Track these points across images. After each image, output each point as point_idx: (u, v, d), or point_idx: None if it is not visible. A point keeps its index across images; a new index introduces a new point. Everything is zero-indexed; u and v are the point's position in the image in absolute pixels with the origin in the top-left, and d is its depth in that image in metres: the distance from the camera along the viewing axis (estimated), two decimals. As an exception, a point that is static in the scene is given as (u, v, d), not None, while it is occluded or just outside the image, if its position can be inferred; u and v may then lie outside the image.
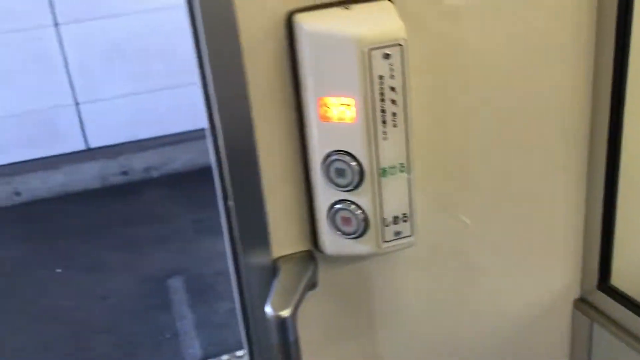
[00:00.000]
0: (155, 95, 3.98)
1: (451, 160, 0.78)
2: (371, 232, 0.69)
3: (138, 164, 3.99)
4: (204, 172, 4.15)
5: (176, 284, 2.91)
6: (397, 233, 0.70)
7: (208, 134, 0.77)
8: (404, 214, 0.69)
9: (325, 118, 0.66)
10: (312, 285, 0.76)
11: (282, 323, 0.69)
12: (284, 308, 0.69)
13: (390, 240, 0.70)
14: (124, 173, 3.97)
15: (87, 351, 2.53)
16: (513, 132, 0.80)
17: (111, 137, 4.00)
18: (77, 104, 3.89)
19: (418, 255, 0.81)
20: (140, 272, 3.03)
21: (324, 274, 0.77)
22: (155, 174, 4.02)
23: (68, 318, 2.75)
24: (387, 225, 0.69)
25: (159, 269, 3.05)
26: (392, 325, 0.85)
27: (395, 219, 0.69)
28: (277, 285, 0.72)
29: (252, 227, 0.73)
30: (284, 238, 0.75)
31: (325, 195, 0.69)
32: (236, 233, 0.73)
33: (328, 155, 0.67)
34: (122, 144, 4.02)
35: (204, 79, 0.69)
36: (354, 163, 0.66)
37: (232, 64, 0.66)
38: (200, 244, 3.24)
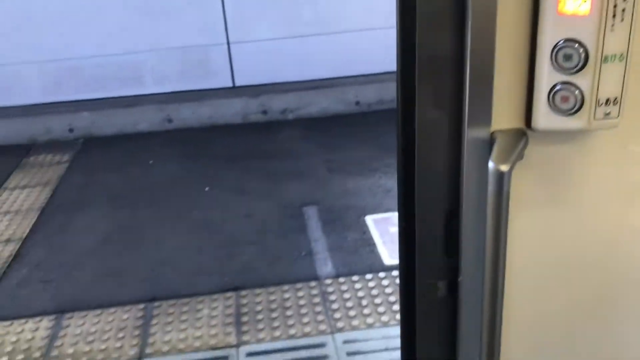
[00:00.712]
0: (300, 41, 4.22)
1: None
2: (585, 110, 0.84)
3: (277, 105, 4.28)
4: (335, 119, 4.40)
5: (310, 212, 3.17)
6: (607, 114, 0.85)
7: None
8: (615, 97, 0.84)
9: (561, 11, 0.82)
10: (520, 157, 0.92)
11: (500, 175, 0.87)
12: (503, 163, 0.87)
13: (599, 119, 0.85)
14: (264, 112, 4.28)
15: (235, 258, 2.85)
16: None
17: (255, 78, 4.31)
18: (228, 43, 4.22)
19: (611, 150, 0.95)
20: (279, 199, 3.32)
21: (531, 150, 0.93)
22: (291, 116, 4.30)
23: (217, 229, 3.09)
24: (599, 106, 0.84)
25: (295, 198, 3.32)
26: (575, 206, 1.00)
27: (607, 101, 0.84)
28: (497, 148, 0.89)
29: (479, 101, 0.91)
30: (503, 114, 0.91)
31: (549, 76, 0.85)
32: (465, 105, 0.91)
33: (558, 43, 0.83)
34: (265, 85, 4.32)
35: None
36: (581, 50, 0.81)
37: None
38: (331, 181, 3.48)
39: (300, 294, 2.60)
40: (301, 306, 2.53)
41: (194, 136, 4.11)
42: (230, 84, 4.31)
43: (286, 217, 3.15)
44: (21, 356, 2.37)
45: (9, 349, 2.42)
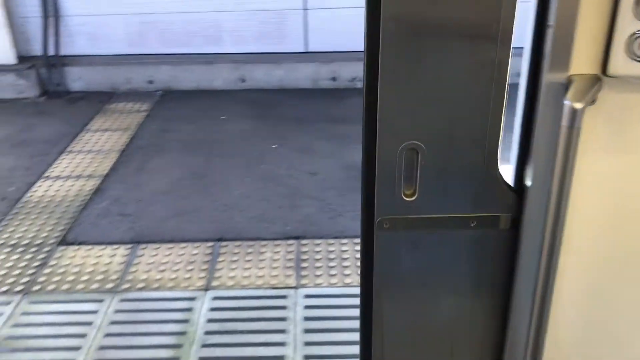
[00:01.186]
0: (375, 12, 4.30)
1: None
2: (660, 58, 0.92)
3: (346, 72, 4.38)
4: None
5: (373, 176, 3.28)
6: (683, 61, 0.92)
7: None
8: (692, 45, 0.92)
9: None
10: (593, 101, 1.01)
11: (574, 112, 0.96)
12: (578, 102, 0.96)
13: (674, 66, 0.93)
14: (333, 79, 4.40)
15: (297, 209, 3.01)
16: None
17: (328, 45, 4.43)
18: (305, 9, 4.34)
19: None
20: (343, 160, 3.45)
21: (604, 96, 1.02)
22: (359, 84, 4.40)
23: (282, 182, 3.25)
24: (675, 53, 0.92)
25: (358, 161, 3.42)
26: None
27: (683, 49, 0.92)
28: (573, 88, 0.98)
29: (560, 47, 1.00)
30: (581, 60, 1.00)
31: (629, 24, 0.93)
32: (547, 50, 1.00)
33: (640, -8, 0.91)
34: (336, 52, 4.43)
35: None
36: (663, -3, 0.89)
37: None
38: (394, 150, 3.58)
39: (358, 248, 2.73)
40: (358, 259, 2.66)
41: (265, 97, 4.28)
42: (303, 49, 4.45)
43: (348, 178, 3.28)
44: (100, 277, 2.60)
45: (89, 269, 2.65)
